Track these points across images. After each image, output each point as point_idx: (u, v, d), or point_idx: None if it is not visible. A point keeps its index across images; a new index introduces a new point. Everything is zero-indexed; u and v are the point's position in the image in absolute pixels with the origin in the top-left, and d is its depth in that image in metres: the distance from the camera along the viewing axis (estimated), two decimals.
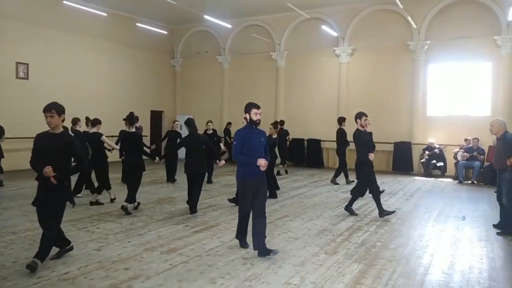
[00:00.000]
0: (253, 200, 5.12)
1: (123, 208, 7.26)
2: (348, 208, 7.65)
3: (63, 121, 4.67)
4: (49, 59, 14.23)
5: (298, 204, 8.54)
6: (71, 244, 4.98)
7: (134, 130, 7.71)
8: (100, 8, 15.12)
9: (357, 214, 7.55)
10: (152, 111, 18.38)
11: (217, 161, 8.17)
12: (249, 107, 5.18)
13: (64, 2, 13.86)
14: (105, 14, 15.19)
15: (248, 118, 5.19)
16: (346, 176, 11.49)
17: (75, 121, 9.36)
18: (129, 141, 7.68)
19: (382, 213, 7.30)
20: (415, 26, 13.88)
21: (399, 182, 12.16)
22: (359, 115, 7.46)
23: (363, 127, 7.41)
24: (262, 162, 5.01)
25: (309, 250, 5.39)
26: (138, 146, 7.60)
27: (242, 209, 5.32)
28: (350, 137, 11.27)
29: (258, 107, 5.18)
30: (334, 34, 15.45)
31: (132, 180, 7.56)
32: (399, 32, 14.61)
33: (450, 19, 13.84)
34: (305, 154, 16.02)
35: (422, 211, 8.17)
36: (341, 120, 11.47)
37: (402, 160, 14.21)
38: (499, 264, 5.05)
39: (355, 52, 15.51)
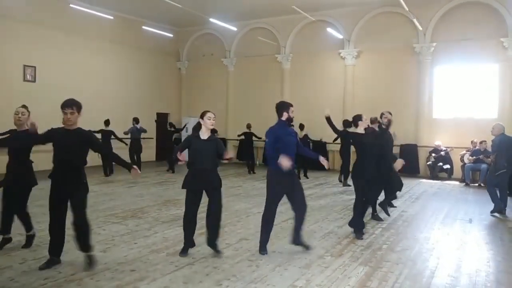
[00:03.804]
0: (291, 198, 5.25)
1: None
2: (384, 207, 7.79)
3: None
4: (56, 62, 14.35)
5: None
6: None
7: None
8: (106, 11, 15.25)
9: (389, 215, 7.73)
10: (157, 113, 18.45)
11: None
12: (286, 106, 5.31)
13: (71, 5, 13.99)
14: (112, 17, 15.30)
15: (286, 116, 5.27)
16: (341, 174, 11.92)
17: (108, 122, 11.26)
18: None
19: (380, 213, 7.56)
20: (420, 28, 13.84)
21: (405, 184, 11.97)
22: (381, 114, 7.67)
23: (386, 125, 7.57)
24: (284, 162, 4.93)
25: (314, 252, 5.38)
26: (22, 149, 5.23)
27: (267, 207, 5.24)
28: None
29: (292, 105, 5.36)
30: (340, 36, 15.45)
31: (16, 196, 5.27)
32: (404, 34, 14.57)
33: (456, 21, 13.79)
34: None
35: (429, 213, 8.13)
36: (346, 123, 11.50)
37: (408, 162, 14.10)
38: (506, 267, 5.01)
39: (361, 54, 15.49)
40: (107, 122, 12.61)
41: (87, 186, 4.67)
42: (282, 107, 5.33)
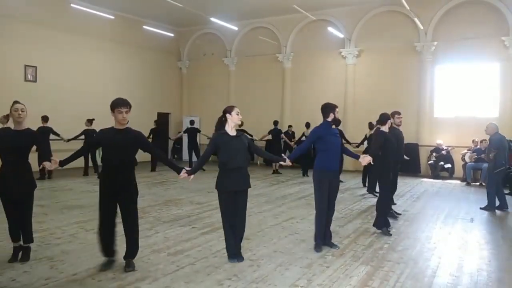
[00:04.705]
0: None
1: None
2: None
3: None
4: (57, 61, 14.37)
5: (305, 206, 8.51)
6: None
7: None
8: (107, 11, 15.26)
9: (400, 214, 7.74)
10: (159, 113, 18.45)
11: None
12: (332, 107, 5.46)
13: (72, 5, 14.01)
14: (113, 17, 15.31)
15: (332, 117, 5.42)
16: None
17: (46, 118, 11.84)
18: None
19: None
20: (421, 27, 13.82)
21: (406, 184, 12.10)
22: (392, 114, 7.71)
23: (398, 125, 7.83)
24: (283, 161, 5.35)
25: (315, 252, 5.37)
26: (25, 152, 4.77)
27: (319, 206, 5.36)
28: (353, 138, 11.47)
29: (337, 106, 5.54)
30: (341, 35, 15.43)
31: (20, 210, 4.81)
32: (406, 33, 14.56)
33: (457, 20, 13.76)
34: (311, 156, 15.97)
35: (430, 213, 8.11)
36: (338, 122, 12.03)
37: (409, 161, 14.05)
38: (508, 266, 5.00)
39: (362, 53, 15.48)
40: (90, 121, 12.59)
41: (137, 188, 4.68)
42: (329, 108, 5.48)
